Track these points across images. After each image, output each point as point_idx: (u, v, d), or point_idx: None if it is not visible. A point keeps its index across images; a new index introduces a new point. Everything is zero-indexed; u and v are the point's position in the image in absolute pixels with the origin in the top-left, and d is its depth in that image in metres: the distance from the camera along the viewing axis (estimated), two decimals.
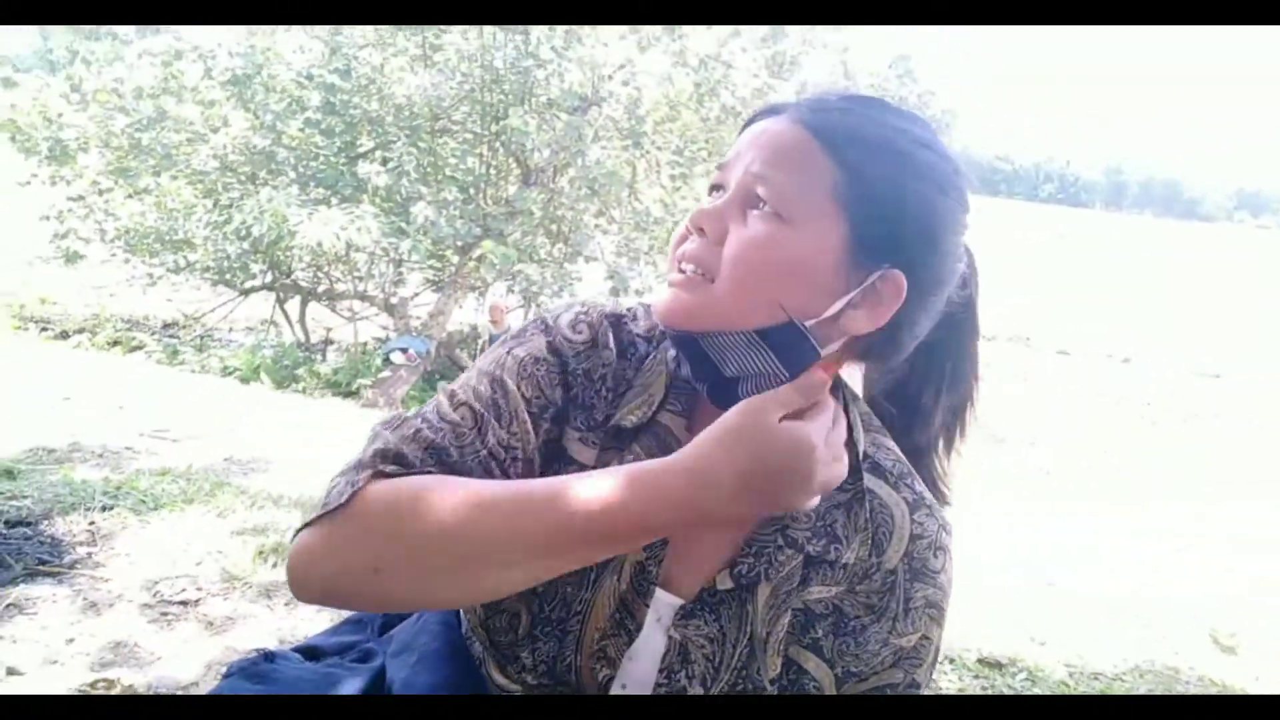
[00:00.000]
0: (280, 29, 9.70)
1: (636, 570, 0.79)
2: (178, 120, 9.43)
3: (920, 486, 0.85)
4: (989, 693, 2.61)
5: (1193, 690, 2.84)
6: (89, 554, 2.61)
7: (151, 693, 1.97)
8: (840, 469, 0.71)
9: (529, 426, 0.78)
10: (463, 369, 10.01)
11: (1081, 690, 2.72)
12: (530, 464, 0.79)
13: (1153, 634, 3.46)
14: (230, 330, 11.68)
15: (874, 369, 0.89)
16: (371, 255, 10.14)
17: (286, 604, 2.49)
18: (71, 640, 2.19)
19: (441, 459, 0.74)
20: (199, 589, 2.51)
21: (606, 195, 10.10)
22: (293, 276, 11.05)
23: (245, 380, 8.91)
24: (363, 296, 11.28)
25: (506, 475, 0.76)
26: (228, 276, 10.55)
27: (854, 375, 0.89)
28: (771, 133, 0.78)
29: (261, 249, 9.59)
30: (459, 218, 9.71)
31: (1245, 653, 3.47)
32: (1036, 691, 2.65)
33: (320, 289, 11.31)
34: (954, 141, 11.58)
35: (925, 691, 0.84)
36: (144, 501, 2.97)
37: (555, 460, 0.80)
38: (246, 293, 11.01)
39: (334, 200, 9.42)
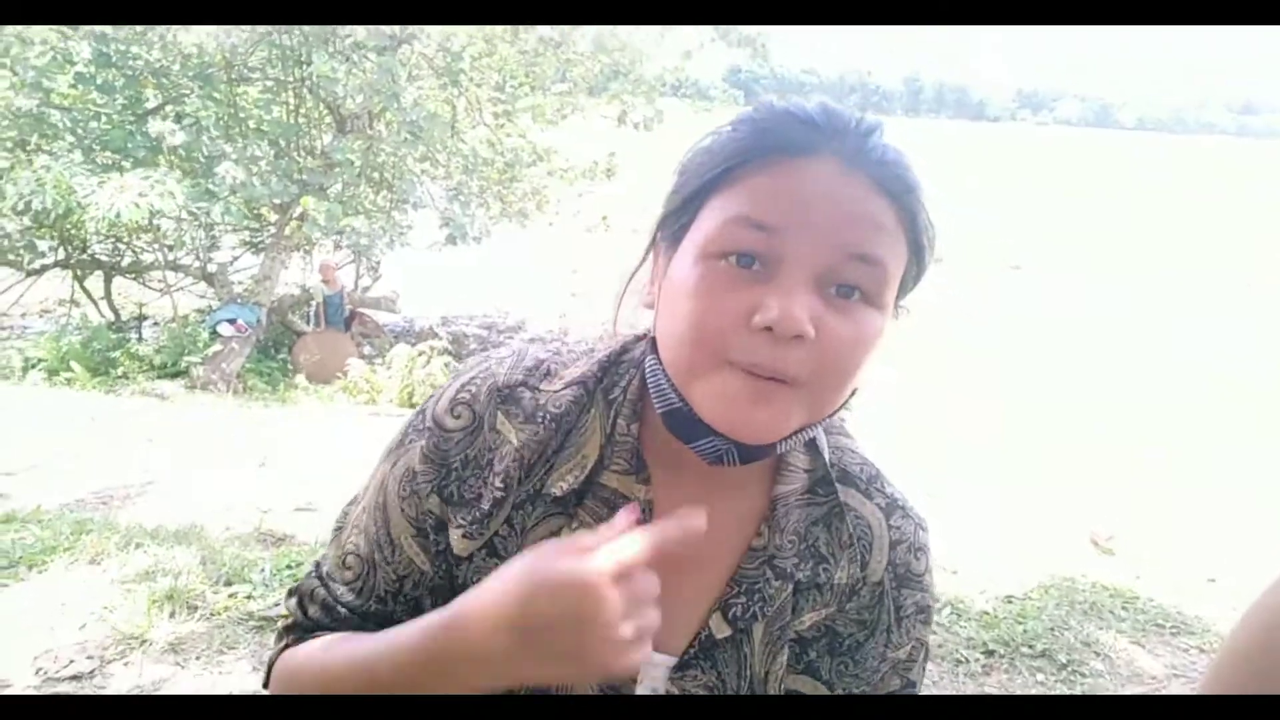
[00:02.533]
0: None
1: None
2: None
3: (890, 486, 0.83)
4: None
5: (1089, 595, 3.12)
6: None
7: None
8: (654, 617, 0.61)
9: (416, 552, 0.77)
10: (299, 335, 9.50)
11: (1001, 615, 2.92)
12: (432, 580, 0.78)
13: (1042, 547, 3.77)
14: (23, 316, 10.49)
15: None
16: (179, 221, 9.26)
17: (199, 659, 2.31)
18: None
19: (351, 612, 0.79)
20: (90, 658, 2.29)
21: (429, 138, 9.63)
22: (90, 251, 9.99)
23: (53, 371, 8.05)
24: (175, 266, 10.37)
25: (410, 600, 0.78)
26: (10, 257, 9.37)
27: None
28: (850, 195, 0.65)
29: (48, 224, 8.58)
30: (272, 174, 9.00)
31: (1123, 554, 3.85)
32: (963, 624, 2.83)
33: (124, 262, 10.31)
34: (764, 61, 11.73)
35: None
36: None
37: (454, 563, 0.76)
38: (36, 273, 9.86)
39: (126, 165, 8.49)
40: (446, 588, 0.77)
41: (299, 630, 0.81)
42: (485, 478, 0.75)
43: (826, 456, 0.80)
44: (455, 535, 0.75)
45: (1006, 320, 14.23)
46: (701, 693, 0.75)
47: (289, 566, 2.74)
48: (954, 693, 2.45)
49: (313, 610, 0.81)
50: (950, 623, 2.83)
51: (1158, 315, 14.76)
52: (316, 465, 4.12)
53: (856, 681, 0.79)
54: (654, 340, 0.74)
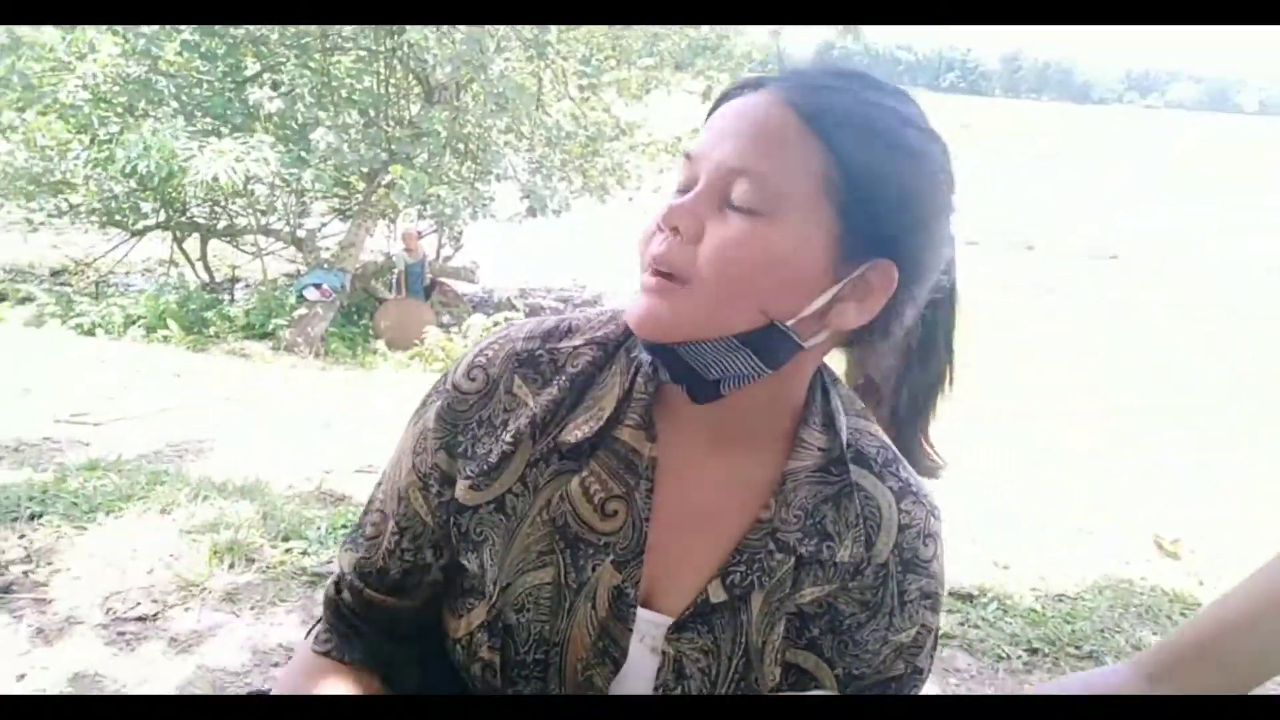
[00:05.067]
0: None
1: (614, 595, 0.76)
2: (35, 46, 8.55)
3: (906, 472, 0.82)
4: (965, 626, 2.70)
5: (1147, 599, 2.99)
6: (25, 573, 2.43)
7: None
8: None
9: (420, 504, 0.80)
10: (380, 301, 9.70)
11: (1049, 613, 2.82)
12: (434, 533, 0.81)
13: (1102, 548, 3.62)
14: (127, 274, 11.01)
15: (860, 354, 0.87)
16: (272, 187, 9.58)
17: (253, 609, 2.38)
18: (23, 676, 2.06)
19: (375, 577, 0.83)
20: (155, 601, 2.38)
21: (514, 110, 9.70)
22: (189, 214, 10.39)
23: (151, 329, 8.43)
24: (267, 231, 10.72)
25: (411, 553, 0.81)
26: (117, 218, 9.86)
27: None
28: (752, 115, 0.69)
29: (152, 186, 8.94)
30: (361, 142, 9.21)
31: (1188, 557, 3.67)
32: (1009, 620, 2.74)
33: (220, 225, 10.70)
34: (858, 37, 11.45)
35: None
36: (76, 505, 2.78)
37: (454, 512, 0.79)
38: (139, 234, 10.33)
39: (225, 130, 8.80)
40: (447, 540, 0.80)
41: (333, 608, 0.87)
42: (498, 435, 0.77)
43: (844, 437, 0.79)
44: (462, 486, 0.77)
45: (1098, 309, 13.65)
46: (696, 655, 0.76)
47: (343, 526, 2.80)
48: (992, 689, 2.37)
49: (344, 593, 0.86)
50: (995, 618, 2.73)
51: (1261, 313, 13.96)
52: (382, 429, 4.21)
53: (857, 662, 0.79)
54: None
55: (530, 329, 0.82)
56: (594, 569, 0.76)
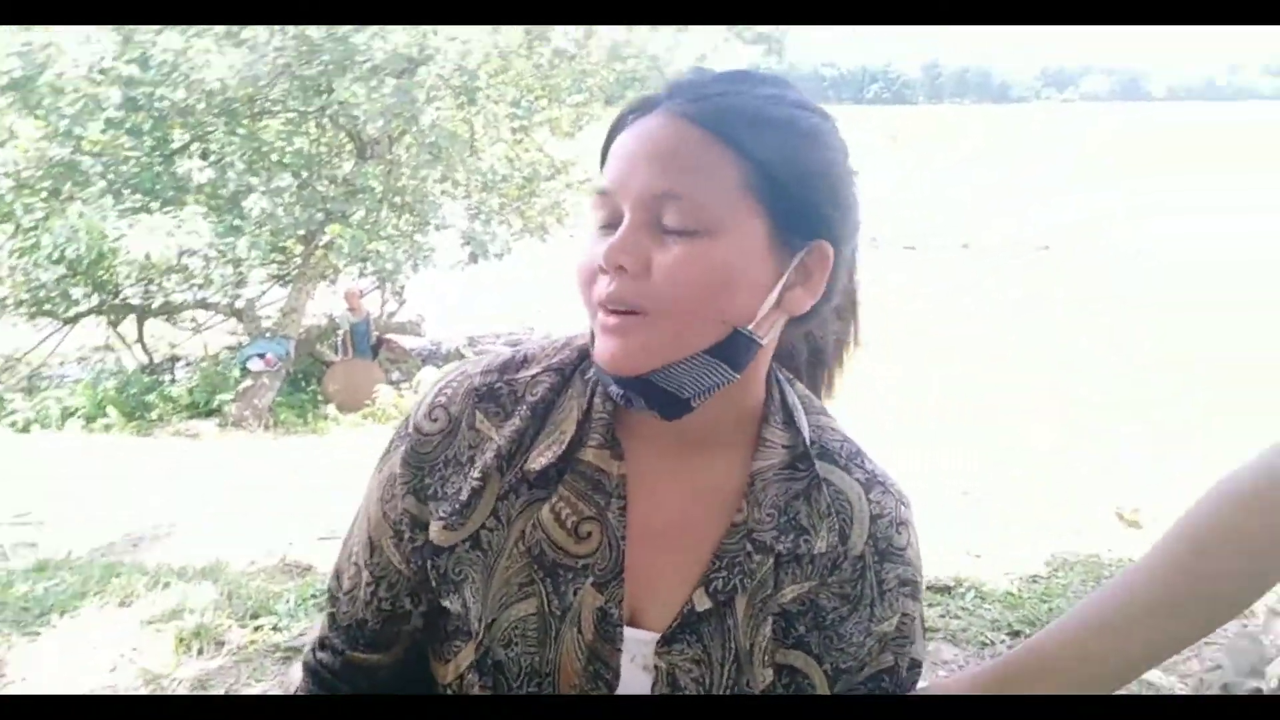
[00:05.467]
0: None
1: (599, 617, 0.75)
2: None
3: (871, 464, 0.84)
4: (945, 618, 2.70)
5: (1115, 569, 3.01)
6: None
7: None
8: None
9: (393, 552, 0.80)
10: (327, 365, 9.53)
11: (1025, 595, 2.83)
12: (410, 581, 0.80)
13: (1067, 529, 3.66)
14: (61, 364, 10.65)
15: (805, 325, 0.85)
16: (207, 259, 9.38)
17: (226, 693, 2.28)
18: None
19: (355, 630, 0.83)
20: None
21: (448, 158, 9.69)
22: (122, 295, 10.13)
23: (91, 418, 8.18)
24: (205, 305, 10.48)
25: (387, 603, 0.81)
26: (46, 307, 9.55)
27: None
28: (656, 137, 0.70)
29: (81, 271, 8.73)
30: (296, 205, 9.11)
31: (1150, 526, 3.73)
32: (987, 607, 2.75)
33: (155, 305, 10.41)
34: (780, 57, 11.68)
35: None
36: (27, 609, 2.64)
37: (430, 556, 0.78)
38: (71, 321, 10.03)
39: (154, 206, 8.64)
40: (425, 586, 0.79)
41: (311, 672, 0.87)
42: (466, 473, 0.77)
43: (806, 434, 0.80)
44: (435, 528, 0.77)
45: (1031, 300, 13.95)
46: (688, 666, 0.76)
47: (313, 596, 2.72)
48: None
49: (322, 654, 0.86)
50: (974, 606, 2.76)
51: (1188, 297, 14.40)
52: (341, 491, 4.12)
53: (844, 656, 0.79)
54: None
55: (486, 364, 0.83)
56: (575, 593, 0.75)
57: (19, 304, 9.28)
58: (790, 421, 0.81)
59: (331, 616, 0.85)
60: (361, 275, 10.51)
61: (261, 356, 9.25)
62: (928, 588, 2.87)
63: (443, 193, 10.44)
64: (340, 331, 10.36)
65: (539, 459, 0.76)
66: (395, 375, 10.36)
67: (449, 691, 0.79)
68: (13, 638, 2.49)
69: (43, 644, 2.48)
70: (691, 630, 0.76)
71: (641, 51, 9.94)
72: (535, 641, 0.75)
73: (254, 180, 8.95)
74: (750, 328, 0.71)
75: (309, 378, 10.25)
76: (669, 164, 0.68)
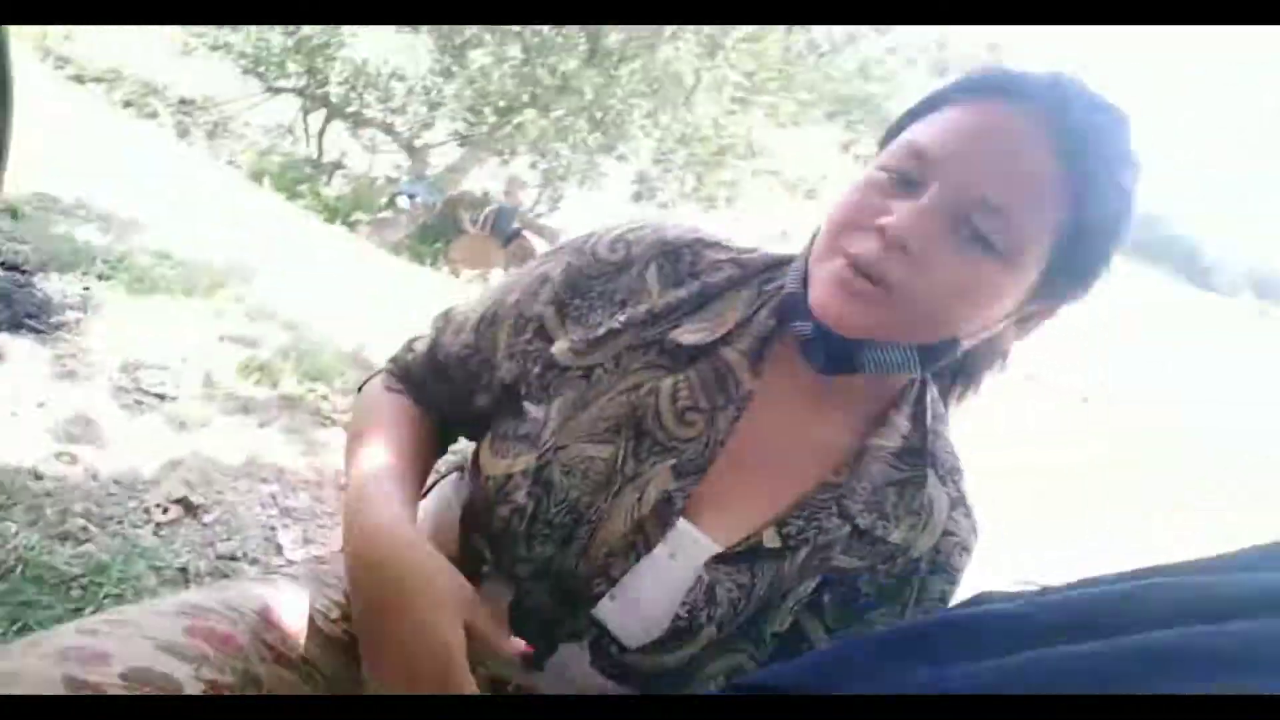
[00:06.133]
0: None
1: (662, 497, 0.74)
2: None
3: (965, 486, 0.82)
4: None
5: None
6: (77, 320, 2.50)
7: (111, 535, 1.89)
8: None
9: (501, 340, 0.80)
10: (462, 232, 9.79)
11: None
12: (492, 367, 0.81)
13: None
14: (246, 125, 11.29)
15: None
16: (410, 90, 9.76)
17: (261, 425, 2.42)
18: (42, 404, 2.11)
19: (434, 358, 0.86)
20: (177, 386, 2.43)
21: (664, 98, 9.74)
22: (326, 88, 10.66)
23: (246, 177, 8.65)
24: (388, 129, 10.93)
25: (471, 374, 0.82)
26: (261, 69, 10.14)
27: None
28: (1012, 142, 0.65)
29: (305, 50, 9.19)
30: (512, 77, 9.34)
31: None
32: None
33: (348, 109, 10.94)
34: None
35: None
36: (141, 280, 2.85)
37: (541, 365, 0.78)
38: (274, 91, 10.61)
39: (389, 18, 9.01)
40: (508, 384, 0.80)
41: (397, 364, 0.90)
42: (612, 312, 0.77)
43: (929, 432, 0.80)
44: (562, 346, 0.77)
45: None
46: (731, 587, 0.75)
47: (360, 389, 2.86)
48: None
49: (409, 355, 0.89)
50: None
51: None
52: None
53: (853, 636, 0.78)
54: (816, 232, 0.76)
55: (685, 227, 0.82)
56: (653, 465, 0.74)
57: (242, 55, 9.86)
58: (918, 416, 0.80)
59: (431, 340, 0.87)
60: (532, 167, 10.73)
61: (412, 197, 9.58)
62: None
63: (640, 127, 10.55)
64: (488, 209, 10.62)
65: (688, 335, 0.76)
66: (513, 269, 10.54)
67: (490, 483, 0.78)
68: (123, 296, 2.70)
69: (141, 311, 2.68)
70: (748, 560, 0.75)
71: (890, 78, 9.76)
72: (594, 485, 0.74)
73: (488, 37, 9.20)
74: (966, 342, 0.71)
75: (439, 235, 10.57)
76: (1013, 176, 0.65)
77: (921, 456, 0.79)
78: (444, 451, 0.90)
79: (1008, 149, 0.66)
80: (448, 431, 0.89)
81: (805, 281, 0.72)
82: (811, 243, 0.75)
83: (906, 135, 0.70)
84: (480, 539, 0.81)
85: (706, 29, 9.33)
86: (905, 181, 0.68)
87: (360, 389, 0.93)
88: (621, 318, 0.77)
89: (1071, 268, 0.69)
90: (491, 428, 0.81)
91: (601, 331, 0.76)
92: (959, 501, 0.81)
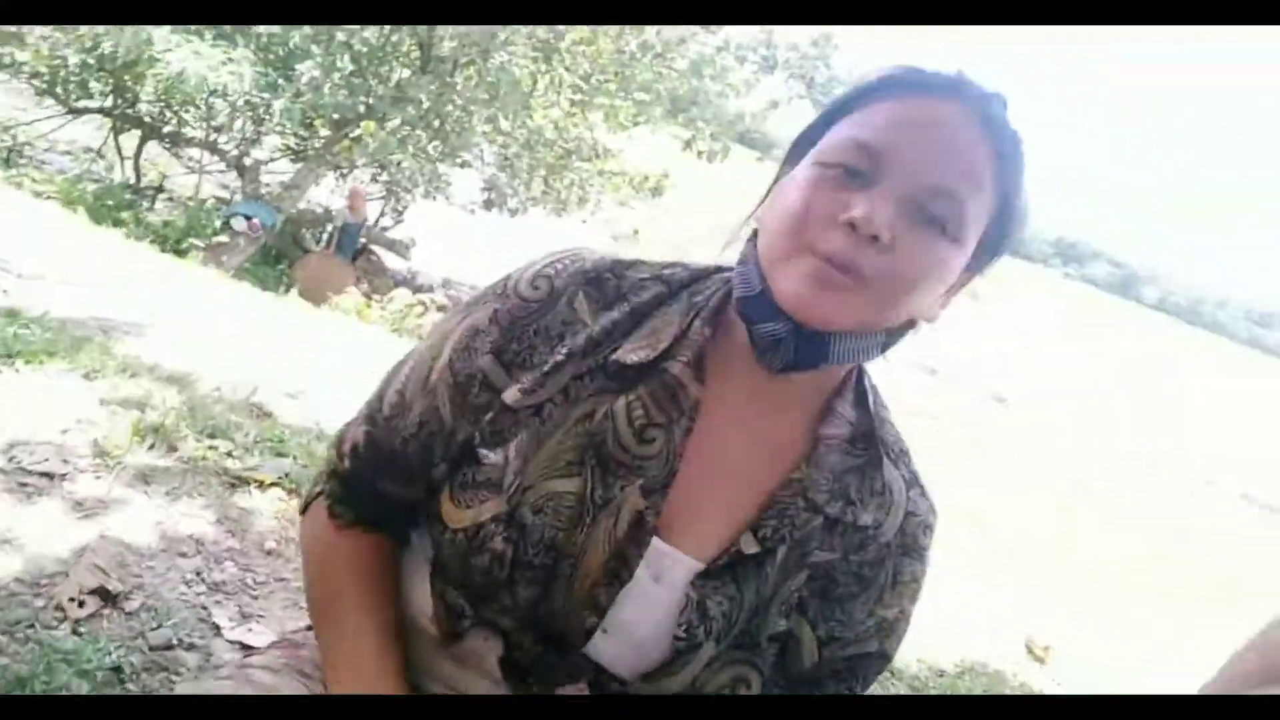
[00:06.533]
0: None
1: (634, 519, 0.75)
2: None
3: (914, 466, 0.87)
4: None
5: (1012, 691, 3.11)
6: None
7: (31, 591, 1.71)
8: None
9: (445, 402, 0.81)
10: (304, 251, 9.35)
11: (931, 685, 2.90)
12: (449, 430, 0.81)
13: (979, 640, 3.77)
14: (47, 151, 10.31)
15: None
16: (234, 106, 9.19)
17: (167, 495, 2.24)
18: None
19: (379, 453, 0.85)
20: (65, 462, 2.21)
21: (502, 103, 9.61)
22: (137, 107, 9.88)
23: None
24: (213, 148, 10.26)
25: (424, 446, 0.82)
26: (59, 90, 9.28)
27: None
28: (956, 136, 0.72)
29: (109, 68, 8.48)
30: (344, 88, 8.98)
31: (1053, 663, 3.86)
32: (894, 683, 2.81)
33: (165, 129, 10.19)
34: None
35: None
36: None
37: (493, 412, 0.79)
38: (77, 113, 9.74)
39: (209, 34, 8.45)
40: (460, 442, 0.80)
41: (337, 479, 0.88)
42: (552, 346, 0.78)
43: (874, 416, 0.84)
44: (512, 391, 0.78)
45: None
46: (721, 600, 0.76)
47: (273, 439, 2.67)
48: None
49: (348, 460, 0.87)
50: (884, 679, 2.83)
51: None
52: (312, 356, 4.05)
53: (841, 628, 0.81)
54: (755, 235, 0.78)
55: (601, 254, 0.84)
56: (622, 489, 0.75)
57: (34, 75, 9.00)
58: (861, 402, 0.84)
59: (367, 433, 0.86)
60: (374, 180, 10.36)
61: (248, 219, 9.02)
62: None
63: (483, 133, 10.37)
64: (332, 225, 10.17)
65: (631, 354, 0.77)
66: (364, 287, 10.18)
67: (460, 537, 0.77)
68: None
69: (4, 384, 2.42)
70: (731, 570, 0.77)
71: (721, 75, 10.01)
72: (567, 520, 0.75)
73: (315, 49, 8.80)
74: (921, 322, 0.77)
75: (282, 257, 10.03)
76: (965, 168, 0.71)
77: (872, 441, 0.82)
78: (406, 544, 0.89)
79: (950, 138, 0.71)
80: (407, 527, 0.88)
81: (763, 279, 0.73)
82: (753, 246, 0.77)
83: (845, 132, 0.73)
84: (456, 593, 0.79)
85: (540, 31, 9.28)
86: (853, 175, 0.71)
87: (302, 515, 0.92)
88: (563, 350, 0.78)
89: (993, 244, 0.77)
90: (448, 480, 0.80)
91: (548, 367, 0.78)
92: (913, 482, 0.85)
